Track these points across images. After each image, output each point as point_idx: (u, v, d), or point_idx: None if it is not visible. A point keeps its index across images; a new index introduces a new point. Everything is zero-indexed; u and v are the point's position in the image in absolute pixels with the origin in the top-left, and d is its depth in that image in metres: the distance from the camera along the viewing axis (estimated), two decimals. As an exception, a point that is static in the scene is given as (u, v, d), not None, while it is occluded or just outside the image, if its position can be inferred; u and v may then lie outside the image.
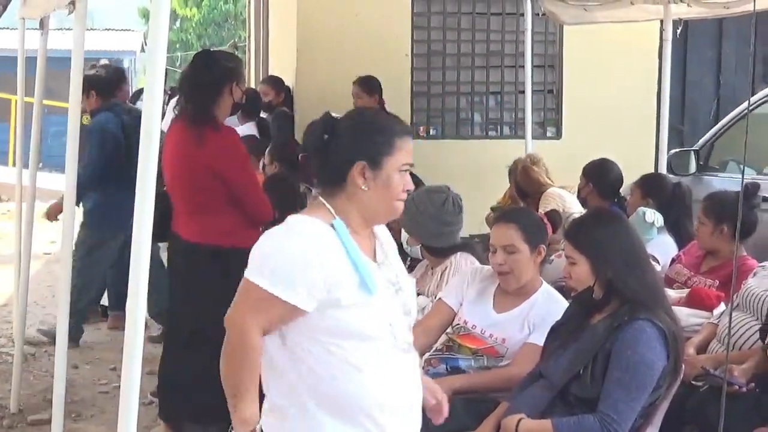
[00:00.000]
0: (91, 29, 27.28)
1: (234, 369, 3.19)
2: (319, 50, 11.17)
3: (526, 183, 7.79)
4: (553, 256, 5.81)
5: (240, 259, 5.75)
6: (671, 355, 4.09)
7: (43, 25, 7.05)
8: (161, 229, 5.33)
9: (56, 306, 7.89)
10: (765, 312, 5.00)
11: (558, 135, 12.08)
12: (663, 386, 4.14)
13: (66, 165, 5.60)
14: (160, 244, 8.16)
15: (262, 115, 10.44)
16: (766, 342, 4.75)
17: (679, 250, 6.42)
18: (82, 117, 6.05)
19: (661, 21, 8.98)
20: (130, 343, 3.47)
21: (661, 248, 6.39)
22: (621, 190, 7.46)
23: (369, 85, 9.66)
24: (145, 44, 16.12)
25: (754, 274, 5.39)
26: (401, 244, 5.59)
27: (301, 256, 3.10)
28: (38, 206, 7.54)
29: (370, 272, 3.19)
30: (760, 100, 8.53)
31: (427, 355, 4.85)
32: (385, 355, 3.22)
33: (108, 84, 8.29)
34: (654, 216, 6.48)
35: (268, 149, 9.15)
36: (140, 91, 12.22)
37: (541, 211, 6.73)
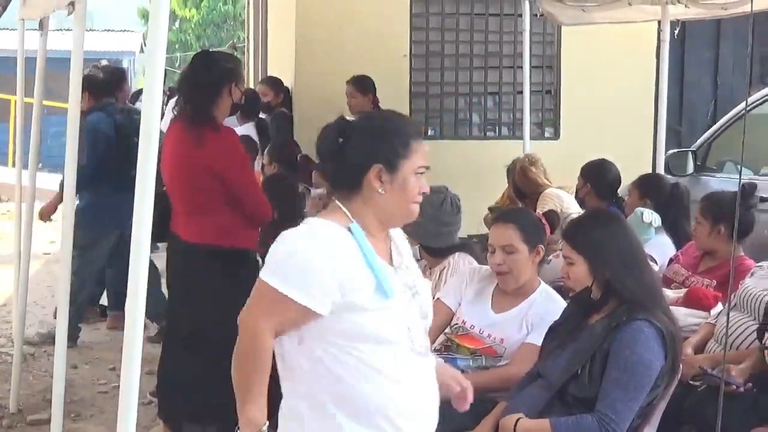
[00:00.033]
0: (91, 30, 27.28)
1: (244, 369, 3.19)
2: (318, 51, 11.17)
3: (523, 184, 7.81)
4: (551, 257, 5.81)
5: (239, 259, 5.83)
6: (669, 354, 4.10)
7: (42, 25, 7.05)
8: (160, 230, 5.33)
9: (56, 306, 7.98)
10: (762, 312, 5.00)
11: (556, 135, 12.09)
12: (661, 386, 4.15)
13: (65, 165, 5.62)
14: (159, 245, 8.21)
15: (261, 115, 10.46)
16: (763, 342, 4.76)
17: (677, 250, 6.43)
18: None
19: (659, 22, 8.97)
20: (130, 343, 3.47)
21: (659, 248, 6.39)
22: (619, 191, 7.46)
23: (363, 85, 9.65)
24: (145, 45, 16.08)
25: (752, 274, 5.40)
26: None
27: (316, 258, 3.09)
28: (38, 206, 7.57)
29: (387, 276, 3.18)
30: (757, 100, 8.54)
31: (425, 354, 4.86)
32: (403, 358, 3.22)
33: (100, 84, 8.30)
34: (652, 216, 6.49)
35: (267, 150, 9.18)
36: (140, 92, 12.23)
37: (539, 211, 6.75)
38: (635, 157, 10.18)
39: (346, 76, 9.81)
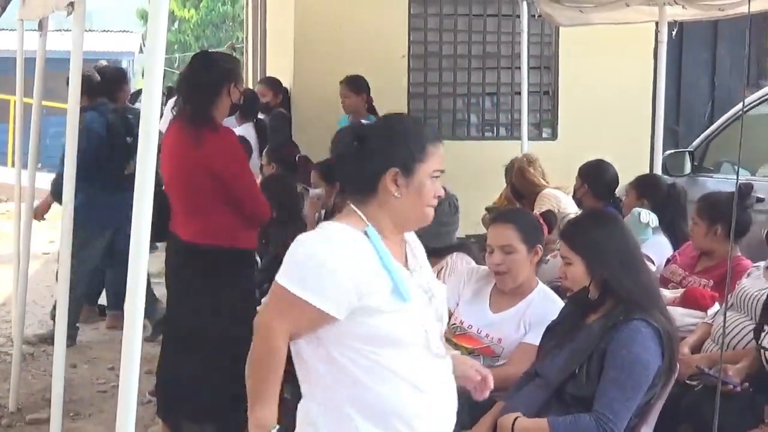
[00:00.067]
0: (90, 30, 27.29)
1: (257, 371, 3.21)
2: (317, 51, 11.18)
3: (521, 184, 7.82)
4: (548, 257, 5.83)
5: (238, 259, 5.85)
6: (666, 354, 4.11)
7: (41, 26, 7.07)
8: (159, 229, 5.34)
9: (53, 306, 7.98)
10: (759, 312, 5.01)
11: (554, 136, 12.11)
12: (658, 385, 4.16)
13: (65, 165, 5.64)
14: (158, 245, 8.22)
15: (260, 116, 10.47)
16: (760, 342, 4.76)
17: (674, 251, 6.44)
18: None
19: (656, 23, 8.98)
20: (129, 342, 3.47)
21: (656, 248, 6.41)
22: (616, 191, 7.47)
23: (356, 85, 9.61)
24: (144, 45, 16.09)
25: (748, 274, 5.41)
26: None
27: (332, 262, 3.09)
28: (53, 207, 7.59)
29: (403, 279, 3.18)
30: (754, 101, 8.55)
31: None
32: (420, 361, 3.22)
33: (95, 84, 8.32)
34: (649, 216, 6.50)
35: (265, 150, 9.20)
36: (139, 92, 12.25)
37: (536, 211, 6.75)
38: (633, 157, 10.19)
39: (344, 77, 9.82)
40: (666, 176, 8.18)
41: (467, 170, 10.67)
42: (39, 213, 8.43)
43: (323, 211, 7.89)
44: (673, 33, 8.83)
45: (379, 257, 3.15)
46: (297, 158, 9.15)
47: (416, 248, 3.43)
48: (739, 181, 4.53)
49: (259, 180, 7.62)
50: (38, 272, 9.69)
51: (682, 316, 5.36)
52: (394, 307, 3.15)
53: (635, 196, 6.92)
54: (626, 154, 9.79)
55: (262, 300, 6.90)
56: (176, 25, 37.98)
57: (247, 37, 19.34)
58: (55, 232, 8.98)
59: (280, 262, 7.67)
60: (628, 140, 11.29)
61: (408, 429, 3.19)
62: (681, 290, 5.73)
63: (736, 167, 8.17)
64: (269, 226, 6.80)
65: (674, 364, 4.23)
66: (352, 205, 3.27)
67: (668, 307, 4.67)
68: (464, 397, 4.46)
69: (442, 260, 5.59)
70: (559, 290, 4.98)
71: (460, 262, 5.54)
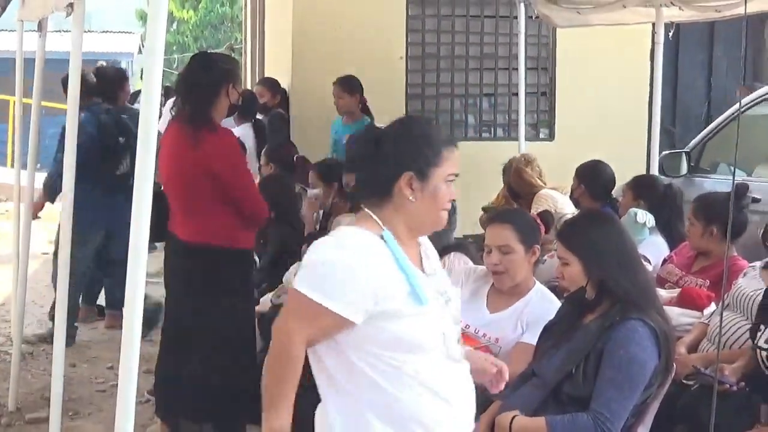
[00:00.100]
0: (89, 31, 27.26)
1: (273, 376, 3.19)
2: (315, 52, 11.19)
3: (518, 185, 7.83)
4: (545, 257, 5.85)
5: (236, 259, 5.86)
6: (663, 353, 4.11)
7: (41, 26, 7.09)
8: (158, 229, 5.35)
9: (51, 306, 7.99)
10: (755, 311, 5.02)
11: (551, 136, 12.13)
12: (654, 385, 4.16)
13: (64, 165, 5.64)
14: (156, 244, 8.23)
15: (258, 116, 10.49)
16: (756, 341, 4.77)
17: (671, 251, 6.44)
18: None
19: (653, 24, 9.00)
20: (128, 341, 3.48)
21: (653, 249, 6.41)
22: (613, 192, 7.48)
23: (350, 85, 9.60)
24: (143, 46, 16.02)
25: (744, 274, 5.42)
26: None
27: (350, 267, 3.09)
28: (47, 207, 7.60)
29: (420, 283, 3.18)
30: (750, 102, 8.56)
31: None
32: (438, 365, 3.22)
33: (89, 84, 8.35)
34: (645, 217, 6.49)
35: (264, 150, 9.21)
36: (138, 93, 12.25)
37: (533, 212, 6.78)
38: (629, 158, 10.22)
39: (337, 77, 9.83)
40: (663, 177, 8.16)
41: (465, 171, 10.56)
42: (33, 212, 8.45)
43: (321, 212, 7.92)
44: (670, 34, 8.84)
45: (396, 261, 3.15)
46: (295, 158, 9.17)
47: (429, 251, 3.42)
48: (735, 182, 4.54)
49: (257, 180, 7.63)
50: (37, 272, 9.71)
51: (678, 315, 5.36)
52: (412, 310, 3.14)
53: (632, 197, 6.91)
54: (623, 154, 9.81)
55: (261, 300, 6.94)
56: (175, 26, 37.97)
57: (245, 38, 19.33)
58: (54, 232, 8.98)
59: (278, 262, 7.71)
60: (625, 141, 11.32)
61: None
62: (677, 290, 5.73)
63: (732, 168, 8.20)
64: (267, 226, 6.82)
65: (671, 363, 4.23)
66: (366, 209, 3.27)
67: (665, 307, 4.64)
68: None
69: (440, 260, 5.61)
70: (556, 290, 4.99)
71: (457, 262, 5.56)
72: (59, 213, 8.29)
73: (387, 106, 10.52)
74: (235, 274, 5.83)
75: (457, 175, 3.31)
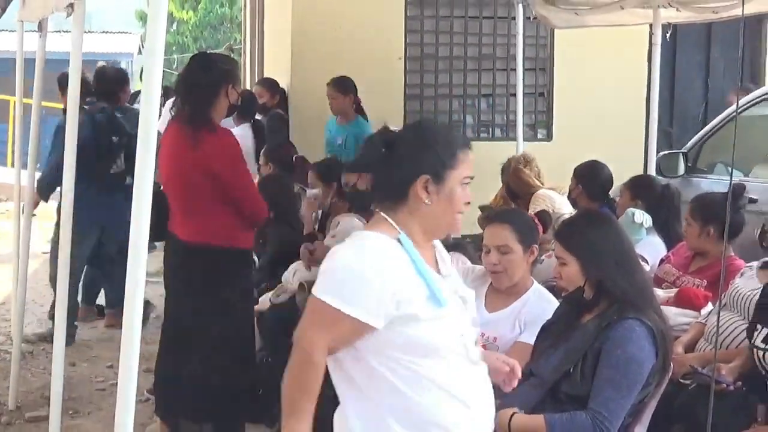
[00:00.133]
0: (89, 31, 27.24)
1: (294, 384, 3.15)
2: (314, 53, 11.21)
3: (516, 185, 7.84)
4: (543, 257, 5.85)
5: (236, 258, 5.87)
6: (660, 353, 4.12)
7: (41, 27, 7.11)
8: (158, 229, 5.36)
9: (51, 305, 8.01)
10: (752, 311, 5.01)
11: (549, 137, 12.16)
12: (652, 384, 4.17)
13: (64, 165, 5.65)
14: (156, 244, 8.24)
15: (257, 117, 10.49)
16: (752, 341, 4.76)
17: (668, 251, 6.44)
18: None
19: (651, 25, 8.99)
20: (128, 340, 3.48)
21: (650, 248, 6.41)
22: (611, 192, 7.47)
23: (343, 85, 9.57)
24: (142, 46, 16.02)
25: (741, 274, 5.42)
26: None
27: (369, 272, 3.07)
28: (41, 206, 7.61)
29: (438, 285, 3.17)
30: (747, 103, 8.58)
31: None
32: (458, 368, 3.21)
33: (84, 83, 8.37)
34: (643, 217, 6.50)
35: (263, 151, 9.23)
36: (138, 93, 12.26)
37: (531, 212, 6.79)
38: (627, 158, 10.23)
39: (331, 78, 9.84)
40: (660, 177, 8.16)
41: (463, 171, 10.70)
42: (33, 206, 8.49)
43: (320, 211, 7.93)
44: (667, 35, 8.84)
45: (414, 264, 3.14)
46: (294, 158, 9.18)
47: (443, 253, 3.41)
48: (732, 182, 4.55)
49: (256, 180, 7.64)
50: (37, 271, 9.73)
51: (675, 315, 5.37)
52: (431, 314, 3.13)
53: (629, 197, 6.91)
54: (620, 155, 9.81)
55: (260, 299, 6.96)
56: (174, 26, 37.95)
57: (244, 39, 19.32)
58: (50, 231, 9.00)
59: (277, 262, 7.72)
60: (623, 141, 11.34)
61: None
62: (675, 290, 5.74)
63: (729, 168, 8.21)
64: (266, 226, 6.83)
65: (668, 363, 4.24)
66: (382, 213, 3.25)
67: (662, 307, 4.66)
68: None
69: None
70: (553, 290, 4.99)
71: (455, 262, 5.57)
72: (55, 212, 8.38)
73: (385, 107, 10.58)
74: (234, 273, 5.83)
75: (472, 178, 3.29)
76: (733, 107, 8.95)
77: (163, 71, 3.54)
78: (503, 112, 12.15)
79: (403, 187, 3.21)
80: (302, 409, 3.13)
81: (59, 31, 16.78)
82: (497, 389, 3.51)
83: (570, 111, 11.96)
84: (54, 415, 5.45)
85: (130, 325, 3.48)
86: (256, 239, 6.71)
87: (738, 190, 6.00)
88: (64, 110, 8.39)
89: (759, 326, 4.77)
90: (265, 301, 6.95)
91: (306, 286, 6.52)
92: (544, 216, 6.15)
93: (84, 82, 8.29)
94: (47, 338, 8.00)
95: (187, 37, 38.32)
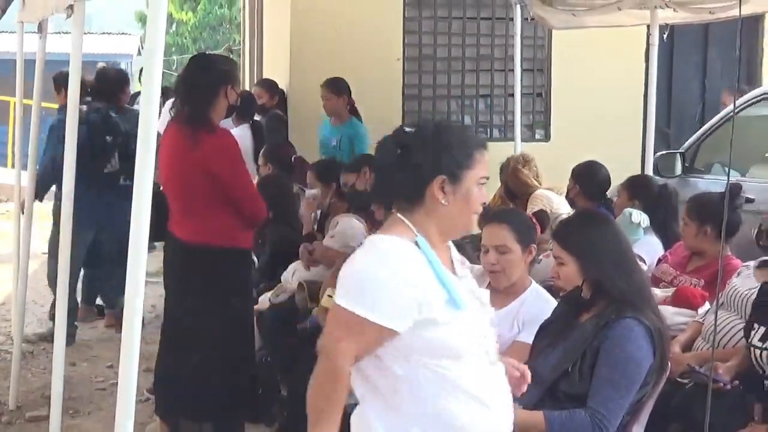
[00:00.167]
0: (89, 33, 27.22)
1: (321, 394, 3.13)
2: (313, 54, 11.21)
3: (514, 185, 7.86)
4: (541, 256, 5.85)
5: (235, 258, 5.88)
6: (658, 352, 4.12)
7: (41, 28, 7.12)
8: (157, 229, 5.36)
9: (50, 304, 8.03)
10: (749, 310, 5.03)
11: (547, 137, 12.17)
12: (650, 383, 4.17)
13: (64, 165, 5.67)
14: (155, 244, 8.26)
15: (256, 117, 10.51)
16: (749, 340, 4.78)
17: (666, 251, 6.46)
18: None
19: (648, 26, 9.01)
20: (128, 340, 3.49)
21: (648, 248, 6.42)
22: (608, 192, 7.49)
23: (337, 87, 9.53)
24: (142, 47, 16.00)
25: (738, 274, 5.43)
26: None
27: (390, 277, 3.05)
28: (36, 206, 7.62)
29: (456, 287, 3.15)
30: (744, 103, 8.59)
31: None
32: (479, 370, 3.20)
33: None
34: (640, 217, 6.52)
35: (262, 151, 9.24)
36: (138, 94, 12.27)
37: (529, 212, 6.81)
38: (625, 158, 10.22)
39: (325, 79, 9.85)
40: (657, 177, 8.18)
41: (462, 171, 10.70)
42: (21, 208, 8.52)
43: (319, 212, 7.95)
44: (665, 36, 8.85)
45: (432, 267, 3.12)
46: (293, 159, 9.19)
47: (457, 253, 3.40)
48: (729, 182, 4.56)
49: (255, 181, 7.66)
50: (37, 272, 9.74)
51: (673, 314, 5.39)
52: (451, 316, 3.12)
53: (627, 197, 6.94)
54: (618, 155, 9.81)
55: (259, 299, 6.98)
56: (174, 27, 37.90)
57: (244, 40, 19.32)
58: (46, 231, 9.02)
59: (276, 262, 7.73)
60: (620, 141, 11.34)
61: None
62: (672, 289, 5.75)
63: (726, 168, 8.22)
64: (265, 226, 6.84)
65: (666, 362, 4.24)
66: (398, 215, 3.23)
67: (660, 306, 4.67)
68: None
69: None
70: (551, 290, 4.99)
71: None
72: (51, 212, 8.40)
73: (384, 107, 10.61)
74: (234, 273, 5.84)
75: (488, 178, 3.29)
76: (731, 107, 8.96)
77: (163, 72, 3.55)
78: (501, 113, 12.16)
79: (420, 188, 3.19)
80: (329, 418, 3.11)
81: (59, 33, 16.78)
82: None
83: (568, 111, 11.98)
84: (54, 414, 5.47)
85: (130, 325, 3.49)
86: (256, 239, 6.73)
87: (735, 190, 6.02)
88: (59, 109, 8.44)
89: (756, 325, 4.78)
90: (264, 300, 6.97)
91: (305, 286, 6.55)
92: (542, 216, 6.16)
93: (81, 82, 8.33)
94: (47, 338, 8.03)
95: (186, 38, 38.27)
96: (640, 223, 6.50)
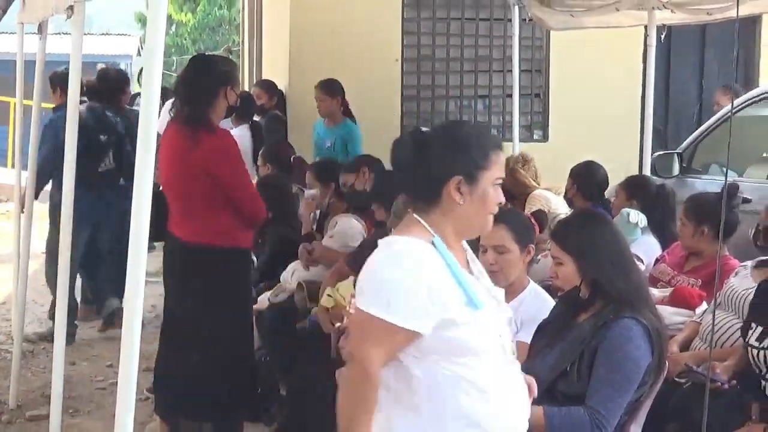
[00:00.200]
0: (89, 34, 27.23)
1: (353, 402, 3.11)
2: (312, 55, 11.23)
3: (512, 185, 7.84)
4: (539, 256, 5.87)
5: (235, 258, 5.90)
6: (656, 352, 4.12)
7: (41, 29, 7.15)
8: (157, 229, 5.36)
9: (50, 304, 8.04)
10: (746, 310, 5.04)
11: (545, 138, 12.19)
12: (648, 383, 4.17)
13: (65, 165, 5.68)
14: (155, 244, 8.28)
15: (255, 118, 10.53)
16: (747, 340, 4.78)
17: (663, 250, 6.46)
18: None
19: (646, 27, 9.02)
20: (128, 340, 3.49)
21: (645, 248, 6.44)
22: (606, 192, 7.50)
23: (331, 88, 9.58)
24: (142, 48, 16.06)
25: (736, 274, 5.45)
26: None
27: (412, 280, 3.04)
28: (36, 206, 7.64)
29: (474, 287, 3.15)
30: (741, 104, 8.59)
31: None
32: (497, 369, 3.21)
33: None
34: (638, 217, 6.53)
35: (261, 151, 9.27)
36: (138, 95, 12.28)
37: (527, 212, 6.82)
38: (622, 158, 10.27)
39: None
40: (655, 177, 8.17)
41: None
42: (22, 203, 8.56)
43: (318, 211, 7.97)
44: (662, 37, 8.86)
45: (449, 268, 3.11)
46: (292, 159, 9.21)
47: (471, 252, 3.39)
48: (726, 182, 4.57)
49: (254, 181, 7.67)
50: (37, 271, 9.76)
51: (670, 314, 5.39)
52: (469, 317, 3.11)
53: (625, 197, 6.95)
54: (616, 155, 9.86)
55: (258, 298, 6.99)
56: (173, 28, 37.93)
57: (243, 41, 19.35)
58: (43, 231, 9.04)
59: (275, 261, 7.74)
60: (618, 142, 11.37)
61: None
62: (670, 289, 5.76)
63: (724, 168, 8.22)
64: (265, 226, 6.86)
65: (663, 362, 4.24)
66: (414, 215, 3.22)
67: (657, 306, 4.66)
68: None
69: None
70: (549, 289, 5.01)
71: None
72: (48, 212, 8.41)
73: (383, 108, 10.64)
74: (233, 273, 5.85)
75: (503, 179, 3.29)
76: (728, 108, 8.97)
77: (162, 73, 3.55)
78: (499, 114, 12.19)
79: (436, 188, 3.19)
80: (365, 425, 3.10)
81: (59, 33, 16.82)
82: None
83: (566, 112, 12.00)
84: (54, 413, 5.49)
85: (131, 325, 3.49)
86: (255, 239, 6.74)
87: (732, 190, 6.01)
88: (54, 109, 8.46)
89: (753, 325, 4.79)
90: (263, 300, 6.99)
91: (304, 286, 6.56)
92: (540, 216, 6.17)
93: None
94: (47, 337, 8.05)
95: (185, 39, 38.31)
96: (637, 223, 6.51)
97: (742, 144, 8.38)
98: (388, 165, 7.64)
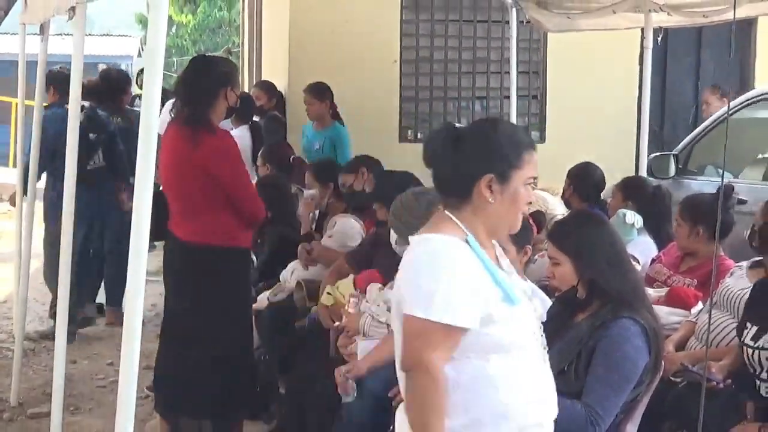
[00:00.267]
0: (90, 34, 27.21)
1: (425, 409, 3.06)
2: (311, 56, 11.26)
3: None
4: (536, 256, 5.88)
5: (235, 258, 5.92)
6: (652, 351, 4.14)
7: (43, 30, 7.16)
8: (157, 229, 5.37)
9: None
10: (741, 310, 5.05)
11: (542, 139, 12.21)
12: (644, 382, 4.19)
13: (66, 165, 5.74)
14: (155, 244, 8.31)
15: (255, 119, 10.56)
16: (742, 339, 4.79)
17: (659, 251, 6.48)
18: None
19: (642, 29, 9.04)
20: (128, 338, 3.50)
21: (642, 249, 6.43)
22: (603, 193, 7.51)
23: (319, 91, 9.60)
24: (142, 49, 16.08)
25: (731, 274, 5.46)
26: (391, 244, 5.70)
27: (454, 278, 3.03)
28: (38, 206, 7.66)
29: (508, 284, 3.15)
30: (737, 105, 8.61)
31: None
32: (532, 363, 3.21)
33: (66, 80, 8.43)
34: (634, 217, 6.54)
35: (260, 152, 9.30)
36: (138, 96, 12.30)
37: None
38: (619, 160, 10.30)
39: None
40: (651, 178, 8.18)
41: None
42: (12, 200, 8.61)
43: (317, 212, 8.00)
44: (659, 39, 8.85)
45: (484, 266, 3.11)
46: (291, 159, 9.24)
47: (500, 249, 3.38)
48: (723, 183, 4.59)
49: (254, 181, 7.70)
50: (38, 270, 9.78)
51: (666, 314, 5.41)
52: (506, 312, 3.12)
53: (621, 198, 6.95)
54: (612, 156, 9.89)
55: (258, 298, 7.01)
56: (174, 29, 37.90)
57: (243, 42, 19.37)
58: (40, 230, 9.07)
59: (275, 261, 7.75)
60: (615, 143, 11.41)
61: None
62: (666, 289, 5.78)
63: (720, 170, 8.24)
64: (264, 225, 6.87)
65: (660, 361, 4.25)
66: (446, 212, 3.21)
67: (653, 306, 4.64)
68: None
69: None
70: (547, 290, 4.99)
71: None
72: (44, 211, 8.44)
73: (381, 109, 10.67)
74: (233, 272, 5.87)
75: (536, 179, 3.28)
76: (724, 109, 8.99)
77: (163, 73, 3.57)
78: (497, 115, 12.21)
79: (468, 185, 3.17)
80: (440, 430, 3.06)
81: (60, 34, 16.81)
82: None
83: (563, 113, 12.04)
84: (55, 411, 5.52)
85: (131, 324, 3.50)
86: (255, 239, 6.76)
87: (727, 191, 6.03)
88: (47, 107, 8.48)
89: (748, 324, 4.79)
90: (263, 299, 7.00)
91: (303, 285, 6.59)
92: (538, 216, 6.20)
93: (63, 79, 8.35)
94: (48, 336, 8.06)
95: (186, 40, 38.29)
96: (634, 223, 6.51)
97: (737, 146, 8.39)
98: (386, 165, 7.69)
